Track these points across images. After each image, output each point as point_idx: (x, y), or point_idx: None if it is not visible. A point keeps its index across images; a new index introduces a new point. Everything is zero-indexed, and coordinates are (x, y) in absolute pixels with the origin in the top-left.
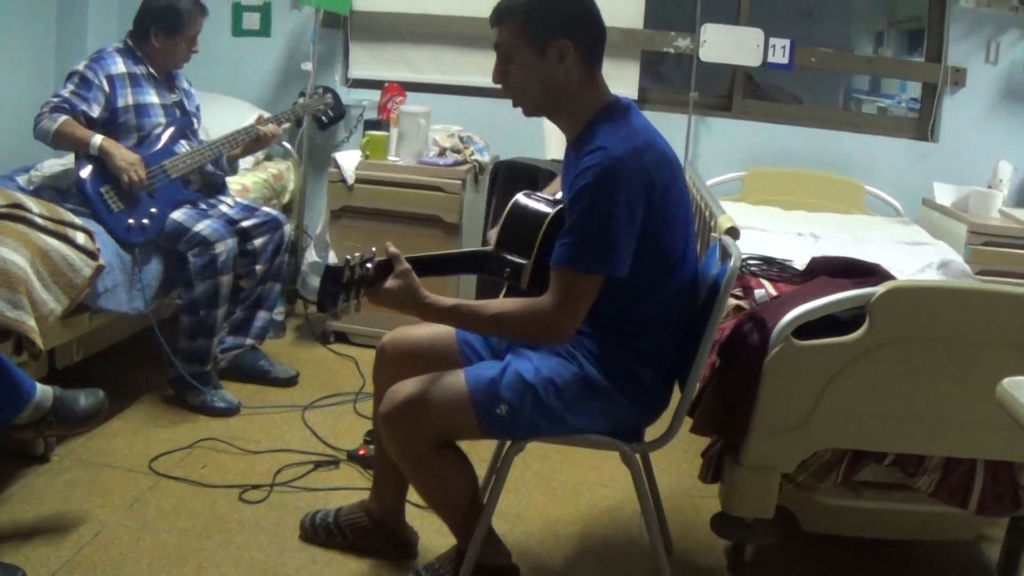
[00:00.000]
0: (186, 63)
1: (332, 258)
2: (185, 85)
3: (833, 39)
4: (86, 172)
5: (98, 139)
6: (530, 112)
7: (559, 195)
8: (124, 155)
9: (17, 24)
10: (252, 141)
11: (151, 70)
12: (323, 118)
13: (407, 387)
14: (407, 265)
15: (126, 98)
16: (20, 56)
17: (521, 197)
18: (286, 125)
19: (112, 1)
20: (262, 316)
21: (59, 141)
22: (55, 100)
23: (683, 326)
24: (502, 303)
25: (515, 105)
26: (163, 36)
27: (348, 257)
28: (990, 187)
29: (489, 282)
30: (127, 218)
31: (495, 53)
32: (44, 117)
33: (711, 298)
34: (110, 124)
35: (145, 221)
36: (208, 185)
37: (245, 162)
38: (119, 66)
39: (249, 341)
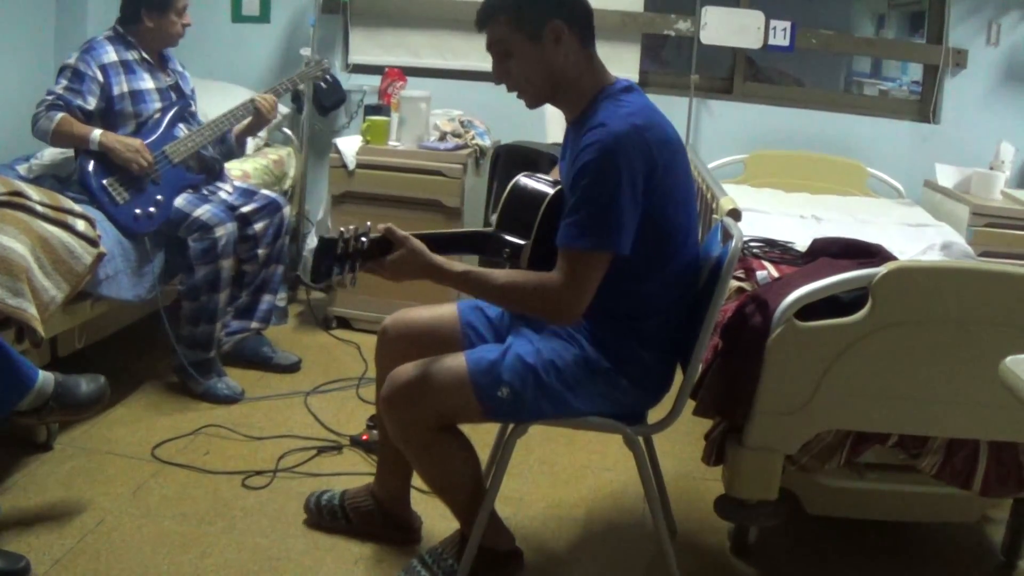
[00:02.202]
0: (181, 39)
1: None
2: (179, 68)
3: (834, 21)
4: (87, 167)
5: (97, 134)
6: (534, 103)
7: (558, 175)
8: (126, 144)
9: (16, 13)
10: (255, 115)
11: (143, 55)
12: (322, 84)
13: (408, 370)
14: (405, 233)
15: (121, 86)
16: (19, 45)
17: (522, 178)
18: (284, 109)
19: None
20: (267, 299)
21: (58, 140)
22: (50, 98)
23: (685, 308)
24: (512, 273)
25: (519, 97)
26: (155, 15)
27: (342, 229)
28: (992, 168)
29: (490, 263)
30: (134, 208)
31: (491, 55)
32: (41, 116)
33: (713, 280)
34: (107, 113)
35: (152, 209)
36: (205, 169)
37: (247, 153)
38: (111, 54)
39: (254, 325)
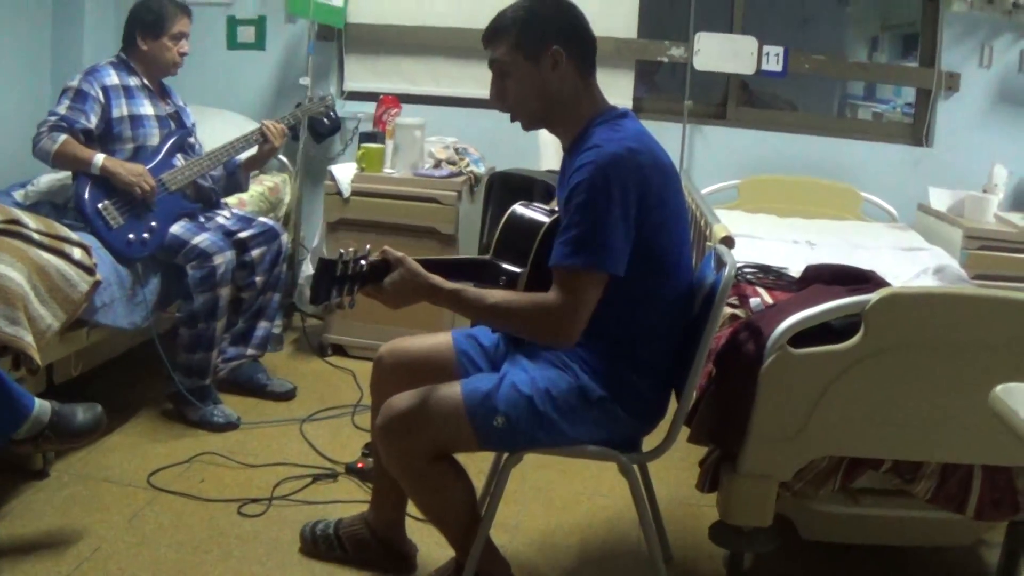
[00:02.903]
0: (178, 67)
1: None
2: (180, 103)
3: (828, 44)
4: (83, 190)
5: (100, 158)
6: (529, 125)
7: (555, 205)
8: (129, 169)
9: (13, 39)
10: (261, 145)
11: (145, 81)
12: (325, 119)
13: (403, 400)
14: (401, 254)
15: (121, 109)
16: (15, 71)
17: (518, 207)
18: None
19: (108, 15)
20: (263, 326)
21: (59, 162)
22: (52, 119)
23: (679, 336)
24: (508, 293)
25: (513, 119)
26: (149, 39)
27: (342, 251)
28: (985, 191)
29: (483, 288)
30: (127, 233)
31: (491, 72)
32: (43, 137)
33: (706, 307)
34: (105, 135)
35: (146, 235)
36: (202, 198)
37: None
38: (113, 78)
39: (251, 351)
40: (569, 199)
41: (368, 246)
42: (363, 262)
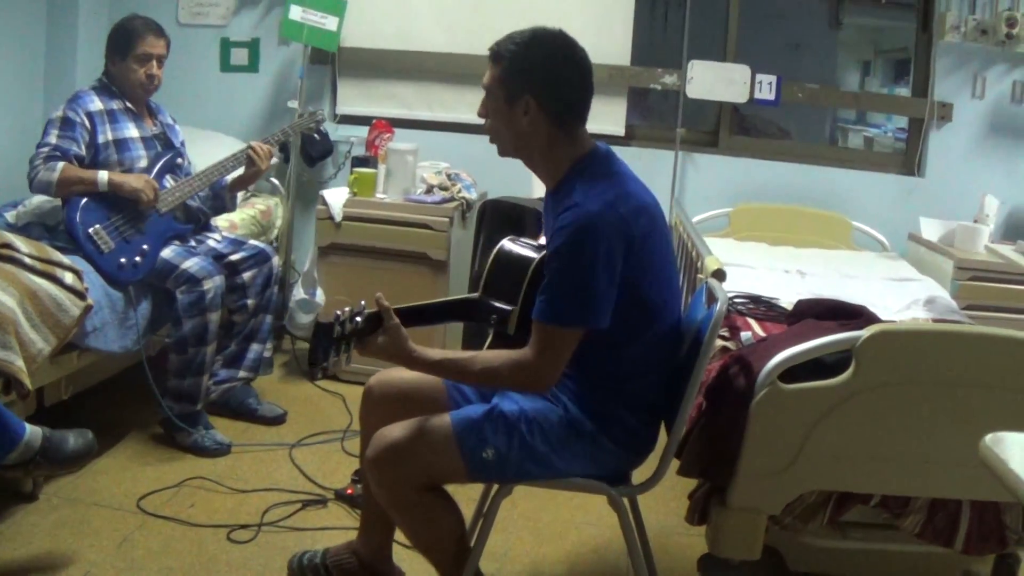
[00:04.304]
0: (147, 89)
1: (320, 295)
2: (169, 120)
3: (820, 70)
4: (74, 215)
5: (104, 175)
6: (503, 153)
7: (543, 240)
8: (133, 179)
9: (5, 58)
10: (248, 167)
11: (128, 104)
12: (315, 135)
13: (393, 432)
14: (396, 320)
15: (106, 134)
16: (8, 93)
17: (506, 243)
18: (275, 155)
19: (100, 39)
20: (255, 349)
21: (63, 189)
22: (44, 150)
23: (668, 370)
24: (486, 357)
25: (491, 142)
26: (116, 57)
27: (338, 312)
28: (976, 222)
29: (477, 328)
30: (119, 257)
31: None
32: (39, 170)
33: (697, 342)
34: (93, 162)
35: (137, 259)
36: (192, 219)
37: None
38: (96, 103)
39: (243, 374)
40: (550, 260)
41: (363, 302)
42: (358, 319)
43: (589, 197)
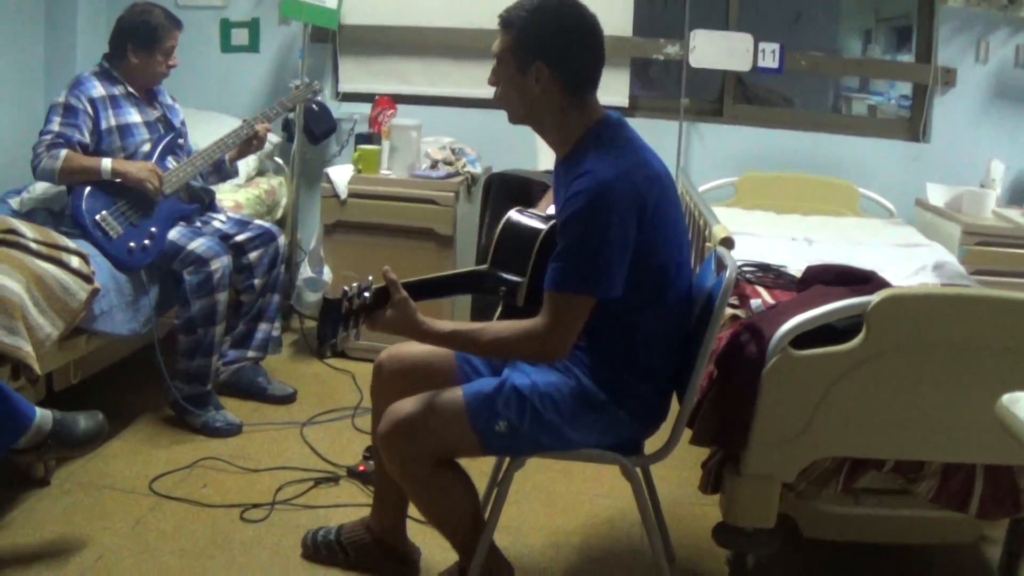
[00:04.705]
0: (165, 79)
1: (327, 274)
2: (168, 101)
3: (821, 38)
4: (79, 203)
5: (107, 162)
6: (513, 121)
7: (551, 210)
8: (138, 167)
9: (5, 48)
10: (245, 142)
11: (129, 89)
12: (313, 106)
13: (405, 406)
14: (404, 293)
15: (109, 120)
16: (9, 80)
17: (513, 214)
18: (275, 138)
19: (100, 24)
20: (263, 328)
21: (66, 177)
22: (47, 137)
23: (680, 339)
24: (497, 327)
25: (503, 109)
26: (141, 52)
27: (346, 288)
28: (983, 186)
29: (486, 300)
30: (128, 242)
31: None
32: (43, 157)
33: (707, 310)
34: (96, 148)
35: (146, 242)
36: (196, 199)
37: (238, 179)
38: (98, 89)
39: (251, 354)
40: (564, 228)
41: (371, 277)
42: (366, 294)
43: (603, 164)
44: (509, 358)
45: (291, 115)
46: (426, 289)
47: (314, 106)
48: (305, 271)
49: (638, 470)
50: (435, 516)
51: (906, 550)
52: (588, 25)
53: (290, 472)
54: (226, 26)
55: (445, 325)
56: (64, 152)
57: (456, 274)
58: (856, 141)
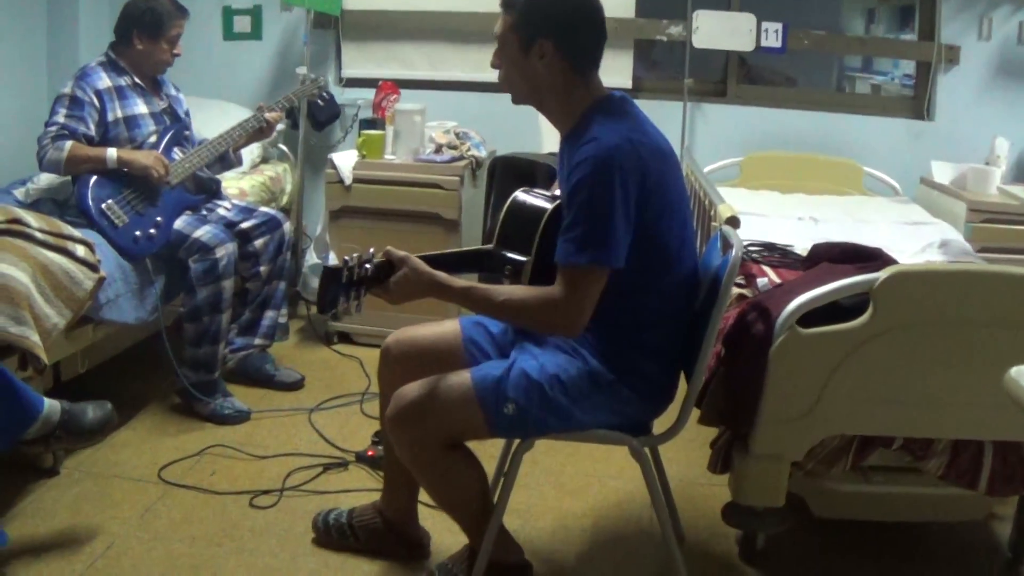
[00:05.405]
0: (169, 67)
1: (332, 259)
2: (172, 91)
3: (824, 18)
4: (85, 192)
5: (112, 152)
6: (517, 101)
7: (557, 191)
8: (143, 156)
9: (8, 38)
10: (259, 130)
11: (136, 79)
12: (319, 101)
13: (413, 390)
14: (409, 255)
15: (115, 112)
16: (12, 70)
17: (519, 194)
18: (279, 126)
19: (103, 15)
20: (269, 315)
21: (72, 167)
22: (53, 129)
23: (687, 318)
24: (512, 289)
25: (505, 91)
26: (146, 39)
27: (347, 258)
28: (987, 164)
29: (490, 280)
30: (133, 230)
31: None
32: (48, 149)
33: (714, 289)
34: (103, 140)
35: (152, 231)
36: (203, 189)
37: (243, 166)
38: (105, 80)
39: (258, 341)
40: (571, 196)
41: (372, 249)
42: (368, 265)
43: (607, 130)
44: (519, 322)
45: (297, 104)
46: (429, 264)
47: (319, 101)
48: (311, 257)
49: (647, 450)
50: (444, 499)
51: (916, 528)
52: (590, 1)
53: (299, 458)
54: (228, 13)
55: (460, 281)
56: (69, 144)
57: (462, 252)
58: (860, 120)
